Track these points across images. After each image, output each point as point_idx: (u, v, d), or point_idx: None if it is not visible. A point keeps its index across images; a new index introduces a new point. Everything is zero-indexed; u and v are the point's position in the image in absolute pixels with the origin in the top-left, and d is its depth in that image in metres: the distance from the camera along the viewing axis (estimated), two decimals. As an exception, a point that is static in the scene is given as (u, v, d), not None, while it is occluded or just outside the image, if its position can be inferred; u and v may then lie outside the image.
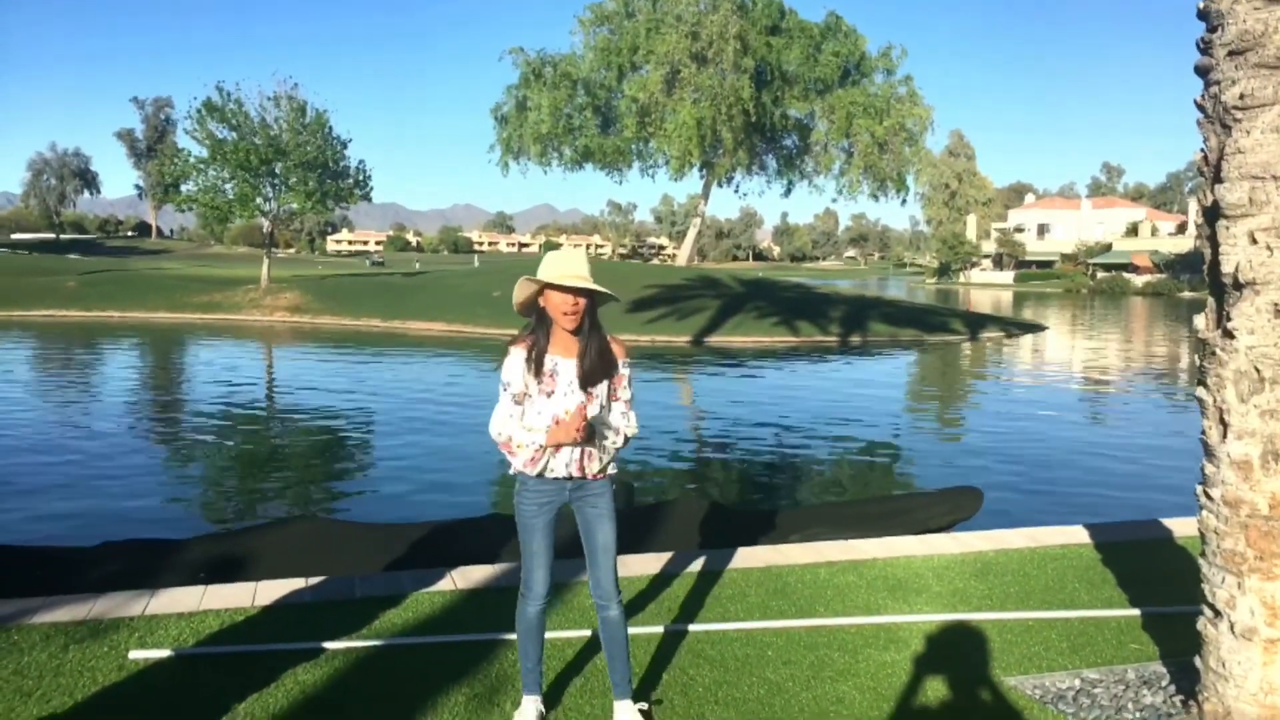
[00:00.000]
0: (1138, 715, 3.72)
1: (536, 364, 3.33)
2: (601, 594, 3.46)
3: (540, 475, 3.36)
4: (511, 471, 3.44)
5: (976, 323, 35.62)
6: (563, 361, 3.35)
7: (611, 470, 3.47)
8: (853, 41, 43.54)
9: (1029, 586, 5.30)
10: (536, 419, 3.35)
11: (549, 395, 3.33)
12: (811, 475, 11.09)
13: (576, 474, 3.36)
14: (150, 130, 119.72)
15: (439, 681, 3.89)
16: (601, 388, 3.39)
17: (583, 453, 3.35)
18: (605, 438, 3.40)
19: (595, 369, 3.34)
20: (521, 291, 3.36)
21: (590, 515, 3.44)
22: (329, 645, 4.22)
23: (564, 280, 3.23)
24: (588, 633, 4.39)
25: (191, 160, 38.45)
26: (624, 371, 3.45)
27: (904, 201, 46.65)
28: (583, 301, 3.29)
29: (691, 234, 51.60)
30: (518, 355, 3.36)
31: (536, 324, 3.39)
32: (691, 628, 4.55)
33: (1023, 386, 20.50)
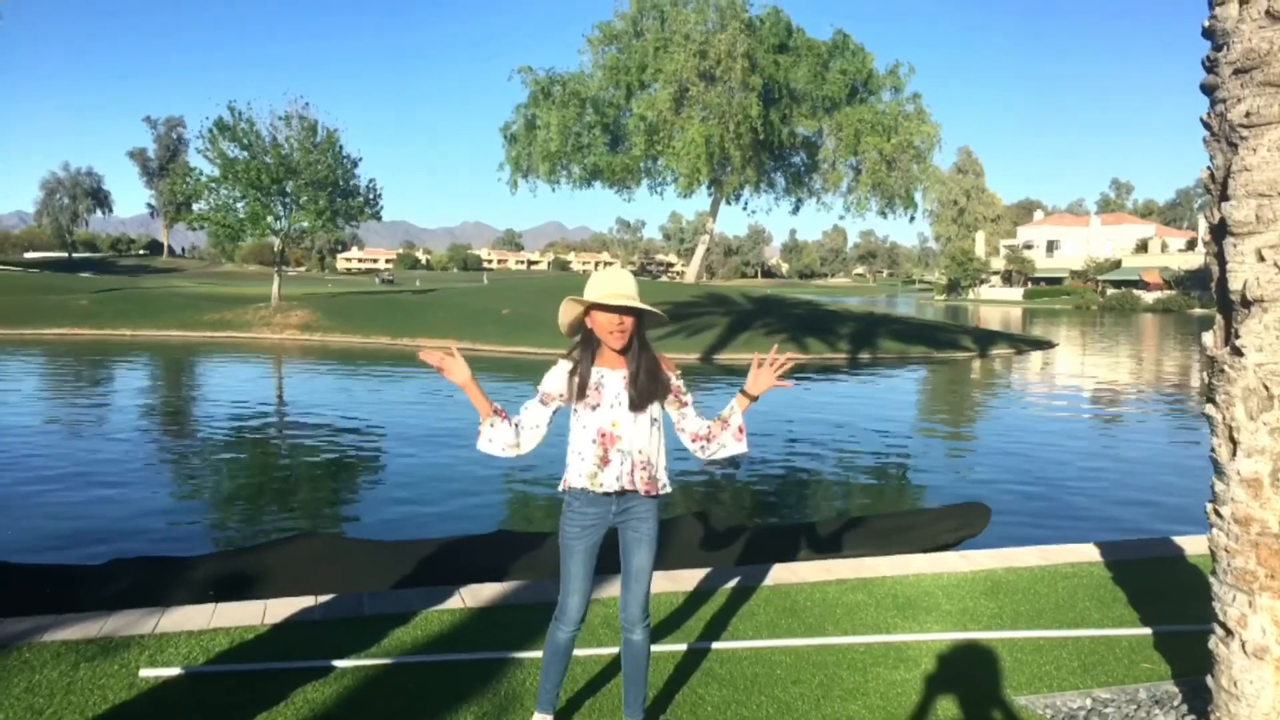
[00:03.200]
0: (1150, 735, 3.70)
1: (581, 382, 3.33)
2: (628, 617, 3.44)
3: (591, 489, 3.33)
4: (560, 489, 3.43)
5: (986, 339, 35.54)
6: (609, 374, 3.35)
7: (665, 490, 3.43)
8: (860, 59, 43.73)
9: (1039, 605, 5.28)
10: (582, 433, 3.35)
11: (594, 408, 3.33)
12: (820, 492, 11.06)
13: (628, 487, 3.32)
14: (162, 149, 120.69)
15: (448, 700, 3.89)
16: (655, 406, 3.39)
17: (634, 465, 3.33)
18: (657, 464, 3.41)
19: (646, 390, 3.33)
20: (567, 313, 3.36)
21: (630, 539, 3.41)
22: (338, 663, 4.22)
23: (609, 300, 3.23)
24: (600, 652, 4.38)
25: (203, 179, 38.73)
26: (677, 382, 3.46)
27: (912, 219, 46.74)
28: (629, 321, 3.28)
29: (700, 251, 51.67)
30: (562, 366, 3.39)
31: (583, 342, 3.39)
32: (700, 646, 4.54)
33: (1032, 403, 20.43)
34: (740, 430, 3.47)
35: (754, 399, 3.46)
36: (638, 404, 3.32)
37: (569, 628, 3.41)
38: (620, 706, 3.71)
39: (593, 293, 3.28)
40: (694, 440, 3.47)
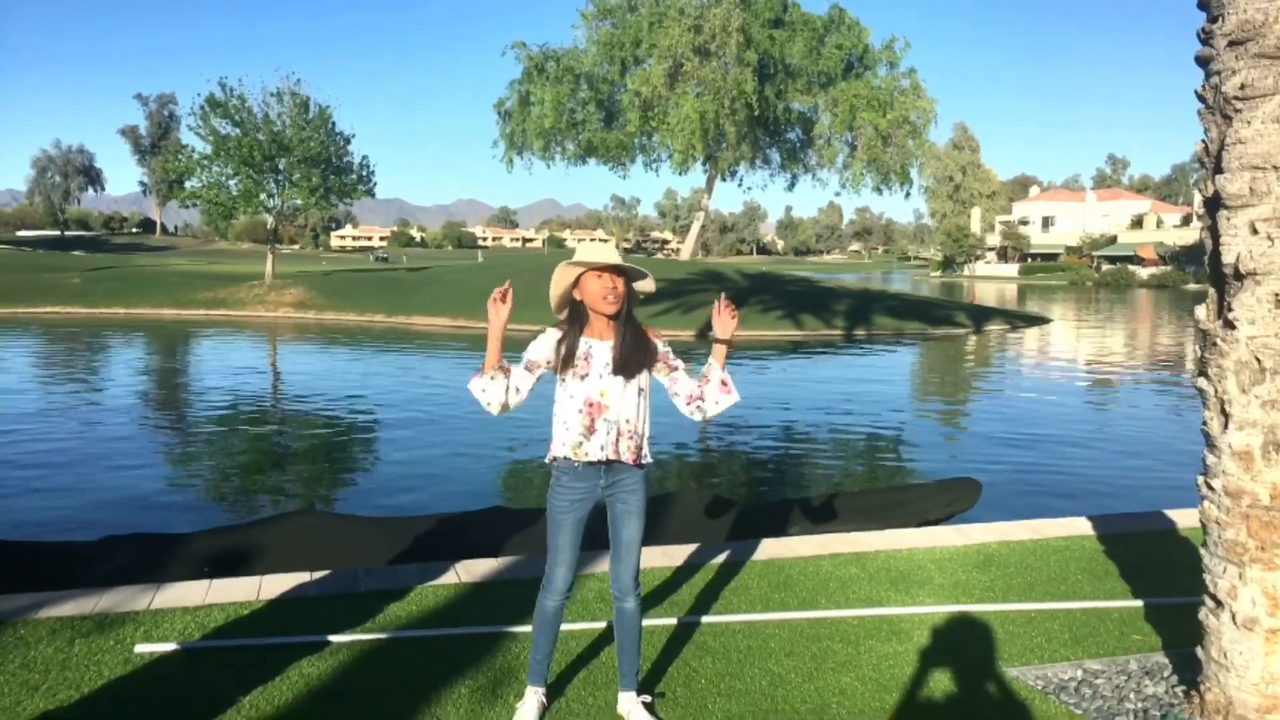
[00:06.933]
0: (1140, 706, 3.73)
1: (569, 352, 3.35)
2: (620, 588, 3.48)
3: (575, 460, 3.34)
4: (548, 459, 3.45)
5: (981, 316, 35.56)
6: (597, 345, 3.37)
7: (647, 459, 3.45)
8: (856, 34, 43.43)
9: (1031, 578, 5.31)
10: (569, 402, 3.37)
11: (583, 378, 3.35)
12: (814, 467, 11.09)
13: (612, 457, 3.34)
14: (154, 127, 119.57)
15: (443, 674, 3.91)
16: (644, 376, 3.42)
17: (619, 434, 3.35)
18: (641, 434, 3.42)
19: (633, 357, 3.36)
20: (561, 280, 3.38)
21: (619, 511, 3.44)
22: (333, 638, 4.24)
23: (601, 259, 3.30)
24: (594, 625, 4.40)
25: (195, 156, 38.44)
26: (664, 349, 3.48)
27: (908, 195, 46.62)
28: (621, 284, 3.32)
29: (695, 228, 51.52)
30: (550, 334, 3.42)
31: (571, 315, 3.42)
32: (694, 620, 4.57)
33: (1026, 379, 20.47)
34: (724, 384, 3.47)
35: (726, 342, 3.47)
36: (624, 369, 3.34)
37: (557, 597, 3.44)
38: (613, 679, 3.73)
39: (582, 259, 3.33)
40: (689, 403, 3.49)
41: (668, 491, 8.47)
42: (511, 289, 3.34)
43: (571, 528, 3.41)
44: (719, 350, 3.47)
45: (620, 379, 3.35)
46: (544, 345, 3.41)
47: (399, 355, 23.74)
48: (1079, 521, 6.48)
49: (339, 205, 44.43)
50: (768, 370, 21.13)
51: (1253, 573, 3.41)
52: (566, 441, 3.36)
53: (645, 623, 4.38)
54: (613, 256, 3.33)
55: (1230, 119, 3.37)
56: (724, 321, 3.43)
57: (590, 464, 3.36)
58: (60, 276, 40.81)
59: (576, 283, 3.37)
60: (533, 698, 3.53)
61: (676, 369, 3.49)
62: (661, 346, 3.47)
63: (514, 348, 3.27)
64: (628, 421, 3.36)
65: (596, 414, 3.34)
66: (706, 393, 3.46)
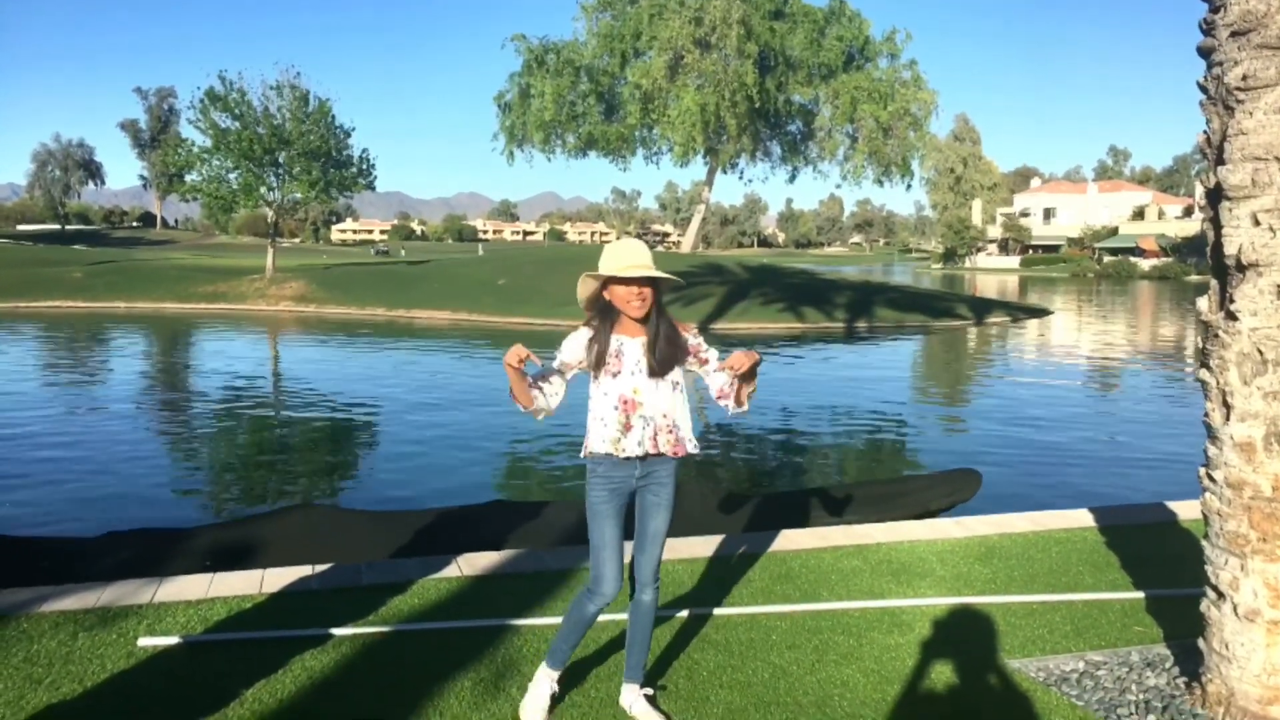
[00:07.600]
0: (1141, 697, 3.74)
1: (600, 350, 3.34)
2: (640, 578, 3.48)
3: (614, 454, 3.33)
4: (582, 455, 3.44)
5: (982, 308, 35.53)
6: (628, 342, 3.37)
7: (692, 449, 3.43)
8: (857, 26, 43.35)
9: (1033, 570, 5.31)
10: (603, 399, 3.36)
11: (615, 375, 3.35)
12: (814, 459, 11.10)
13: (651, 451, 3.34)
14: (154, 120, 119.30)
15: (445, 667, 3.92)
16: (677, 370, 3.41)
17: (656, 429, 3.34)
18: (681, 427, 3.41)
19: (665, 356, 3.35)
20: (584, 289, 3.39)
21: (649, 501, 3.44)
22: (336, 631, 4.24)
23: (627, 272, 3.26)
24: (597, 620, 4.40)
25: (195, 150, 38.43)
26: (695, 341, 3.47)
27: (909, 187, 46.55)
28: (649, 290, 3.31)
29: (696, 221, 51.46)
30: (582, 334, 3.41)
31: (601, 312, 3.40)
32: (696, 612, 4.57)
33: (1027, 370, 20.46)
34: (749, 397, 3.48)
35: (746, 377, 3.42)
36: (657, 371, 3.34)
37: (601, 602, 3.38)
38: (615, 672, 3.73)
39: (609, 265, 3.29)
40: (719, 397, 3.50)
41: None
42: (530, 359, 3.23)
43: (613, 518, 3.38)
44: (743, 389, 3.44)
45: (654, 379, 3.36)
46: (576, 346, 3.41)
47: (399, 348, 23.74)
48: (1080, 513, 6.48)
49: (339, 198, 44.50)
50: (768, 363, 21.14)
51: (1254, 564, 3.41)
52: (605, 438, 3.35)
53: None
54: (640, 260, 3.28)
55: (1232, 110, 3.36)
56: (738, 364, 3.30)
57: (629, 458, 3.36)
58: (61, 271, 40.81)
59: (604, 284, 3.36)
60: (545, 679, 3.50)
61: (708, 362, 3.49)
62: (693, 339, 3.47)
63: (514, 341, 3.26)
64: (664, 415, 3.36)
65: (631, 410, 3.33)
66: (738, 397, 3.45)
